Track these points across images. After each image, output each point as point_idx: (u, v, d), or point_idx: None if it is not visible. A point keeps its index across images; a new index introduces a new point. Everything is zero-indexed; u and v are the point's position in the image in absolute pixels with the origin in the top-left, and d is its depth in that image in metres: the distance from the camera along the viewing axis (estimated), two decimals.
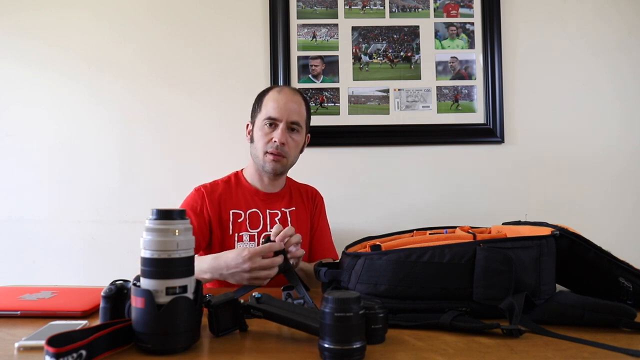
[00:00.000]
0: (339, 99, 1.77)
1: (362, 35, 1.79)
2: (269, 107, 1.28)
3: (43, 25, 1.75)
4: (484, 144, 1.78)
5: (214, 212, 1.29)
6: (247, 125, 1.38)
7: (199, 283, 0.68)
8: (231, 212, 1.31)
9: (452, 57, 1.79)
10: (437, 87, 1.78)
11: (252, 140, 1.34)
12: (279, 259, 0.97)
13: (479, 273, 0.78)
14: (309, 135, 1.40)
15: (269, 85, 1.73)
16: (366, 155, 1.78)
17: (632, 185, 1.78)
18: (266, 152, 1.28)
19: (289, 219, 1.35)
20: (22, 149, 1.74)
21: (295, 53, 1.77)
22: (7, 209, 1.73)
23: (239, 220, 1.30)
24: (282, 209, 1.35)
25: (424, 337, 0.71)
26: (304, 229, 1.36)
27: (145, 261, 0.64)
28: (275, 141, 1.26)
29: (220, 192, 1.33)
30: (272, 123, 1.28)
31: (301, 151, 1.38)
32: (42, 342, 0.55)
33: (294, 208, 1.37)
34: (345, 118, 1.77)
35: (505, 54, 1.79)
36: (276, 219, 1.33)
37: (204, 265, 1.05)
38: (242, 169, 1.42)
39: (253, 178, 1.37)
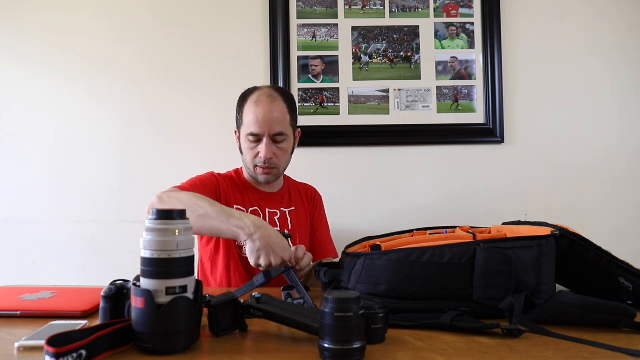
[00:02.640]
0: (339, 99, 1.77)
1: (362, 35, 1.79)
2: (249, 121, 1.23)
3: (43, 25, 1.75)
4: (484, 144, 1.78)
5: (223, 200, 1.28)
6: (235, 131, 1.35)
7: (199, 283, 0.68)
8: (235, 207, 1.30)
9: (452, 57, 1.79)
10: (437, 87, 1.78)
11: (240, 150, 1.32)
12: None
13: (479, 273, 0.78)
14: (299, 130, 1.36)
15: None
16: (366, 155, 1.78)
17: (632, 185, 1.78)
18: (256, 166, 1.27)
19: (288, 218, 1.34)
20: (22, 149, 1.74)
21: (295, 53, 1.77)
22: (7, 209, 1.73)
23: None
24: (282, 209, 1.35)
25: (424, 337, 0.71)
26: (303, 228, 1.36)
27: (145, 261, 0.64)
28: (261, 157, 1.24)
29: (227, 186, 1.33)
30: (255, 138, 1.24)
31: (292, 151, 1.35)
32: (42, 342, 0.55)
33: (293, 208, 1.37)
34: (345, 118, 1.77)
35: (505, 54, 1.79)
36: (275, 218, 1.33)
37: (242, 220, 0.99)
38: (241, 167, 1.42)
39: (250, 179, 1.37)
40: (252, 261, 0.98)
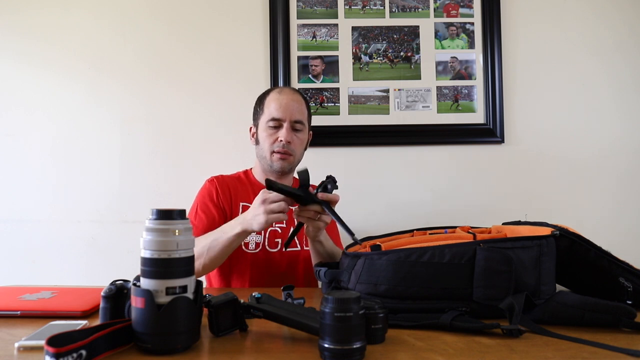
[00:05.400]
0: (339, 99, 1.77)
1: (362, 35, 1.79)
2: (272, 107, 1.30)
3: (43, 25, 1.75)
4: (484, 144, 1.78)
5: (226, 202, 1.31)
6: (250, 128, 1.40)
7: (199, 283, 0.68)
8: (241, 204, 1.32)
9: (452, 57, 1.79)
10: (437, 87, 1.78)
11: (257, 142, 1.36)
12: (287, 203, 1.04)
13: (479, 273, 0.78)
14: (310, 132, 1.42)
15: (269, 85, 1.73)
16: (366, 155, 1.78)
17: (632, 185, 1.78)
18: (273, 152, 1.30)
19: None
20: (22, 149, 1.74)
21: (295, 53, 1.77)
22: (7, 209, 1.73)
23: None
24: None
25: (424, 337, 0.71)
26: None
27: (145, 261, 0.64)
28: (281, 140, 1.28)
29: (232, 184, 1.36)
30: (276, 123, 1.29)
31: (305, 148, 1.39)
32: (42, 342, 0.55)
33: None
34: (345, 118, 1.76)
35: (505, 54, 1.78)
36: None
37: (232, 222, 1.11)
38: (250, 168, 1.44)
39: (260, 177, 1.39)
40: (268, 224, 1.04)
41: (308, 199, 1.03)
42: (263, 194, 1.04)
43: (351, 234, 0.96)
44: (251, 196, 1.34)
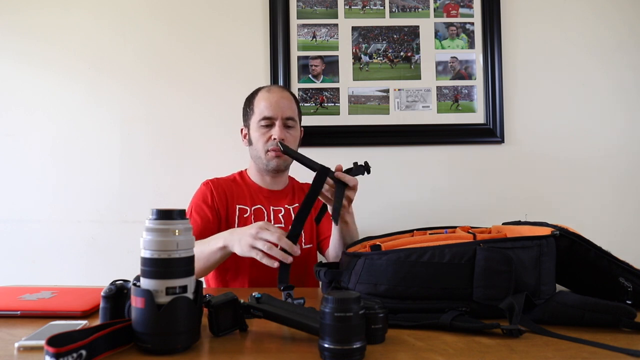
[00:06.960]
0: (339, 99, 1.77)
1: (362, 35, 1.79)
2: (262, 106, 1.31)
3: (43, 25, 1.75)
4: (484, 144, 1.78)
5: (221, 205, 1.31)
6: (242, 130, 1.40)
7: (199, 283, 0.68)
8: (237, 206, 1.32)
9: (452, 57, 1.79)
10: (437, 87, 1.78)
11: (250, 143, 1.36)
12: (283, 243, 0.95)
13: (479, 273, 0.78)
14: (302, 129, 1.42)
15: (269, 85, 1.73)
16: (366, 155, 1.75)
17: (632, 185, 1.78)
18: (267, 151, 1.30)
19: (292, 215, 1.36)
20: (22, 149, 1.74)
21: (295, 53, 1.77)
22: (7, 209, 1.73)
23: (245, 216, 1.32)
24: (286, 206, 1.37)
25: (424, 337, 0.71)
26: (308, 223, 1.37)
27: (145, 261, 0.64)
28: (274, 138, 1.28)
29: (227, 186, 1.36)
30: (268, 122, 1.30)
31: (298, 145, 1.39)
32: (42, 342, 0.55)
33: (297, 204, 1.38)
34: (345, 118, 1.76)
35: (505, 54, 1.78)
36: (280, 215, 1.35)
37: (219, 234, 1.09)
38: (245, 169, 1.44)
39: (256, 177, 1.40)
40: (247, 254, 0.99)
41: (322, 172, 0.99)
42: (265, 225, 0.98)
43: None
44: (247, 197, 1.34)
